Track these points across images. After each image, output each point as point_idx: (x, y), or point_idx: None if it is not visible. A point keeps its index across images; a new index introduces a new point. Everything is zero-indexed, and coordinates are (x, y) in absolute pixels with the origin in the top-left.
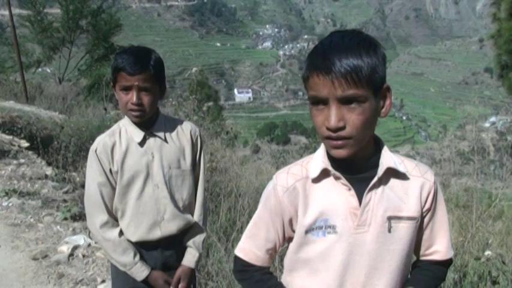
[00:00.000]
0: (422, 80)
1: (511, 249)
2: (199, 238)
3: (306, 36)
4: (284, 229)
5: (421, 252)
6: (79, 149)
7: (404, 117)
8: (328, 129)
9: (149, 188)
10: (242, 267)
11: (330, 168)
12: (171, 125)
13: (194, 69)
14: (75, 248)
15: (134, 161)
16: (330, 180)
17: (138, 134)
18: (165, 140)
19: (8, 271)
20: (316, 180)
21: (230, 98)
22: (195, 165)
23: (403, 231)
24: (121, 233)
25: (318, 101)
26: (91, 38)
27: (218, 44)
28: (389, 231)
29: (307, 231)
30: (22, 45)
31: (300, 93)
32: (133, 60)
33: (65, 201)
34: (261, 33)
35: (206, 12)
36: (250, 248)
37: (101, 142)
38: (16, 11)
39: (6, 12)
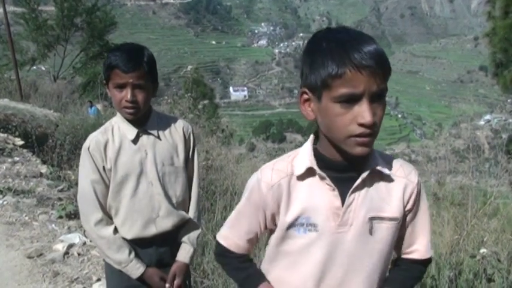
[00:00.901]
0: (418, 78)
1: (506, 247)
2: (193, 234)
3: (301, 35)
4: (266, 222)
5: (402, 250)
6: (74, 147)
7: (399, 115)
8: (363, 125)
9: (143, 185)
10: (222, 252)
11: (315, 167)
12: (164, 122)
13: (189, 67)
14: (70, 246)
15: (127, 159)
16: (315, 179)
17: (131, 131)
18: (158, 137)
19: (3, 270)
20: (301, 177)
21: (225, 96)
22: (188, 162)
23: (384, 231)
24: (115, 230)
25: (350, 99)
26: (86, 35)
27: (213, 42)
28: (371, 232)
29: (288, 228)
30: (16, 42)
31: (296, 91)
32: (126, 57)
33: (60, 199)
34: (256, 31)
35: (201, 10)
36: (230, 236)
37: (93, 139)
38: (10, 8)
39: (1, 10)
